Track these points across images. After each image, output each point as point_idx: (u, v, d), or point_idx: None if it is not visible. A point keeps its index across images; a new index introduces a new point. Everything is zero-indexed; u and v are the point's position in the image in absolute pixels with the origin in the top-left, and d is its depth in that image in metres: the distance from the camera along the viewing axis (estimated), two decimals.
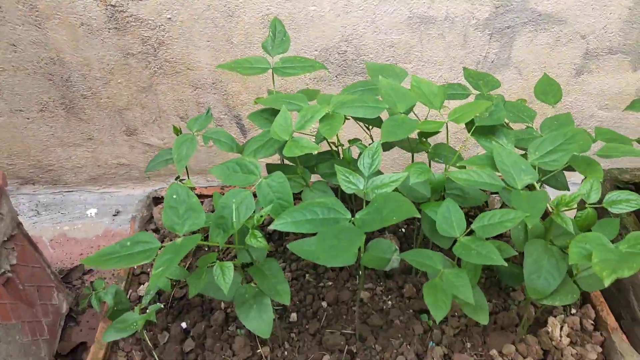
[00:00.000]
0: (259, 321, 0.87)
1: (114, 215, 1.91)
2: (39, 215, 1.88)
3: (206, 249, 1.36)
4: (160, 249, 0.84)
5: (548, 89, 1.15)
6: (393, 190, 0.82)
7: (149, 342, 1.12)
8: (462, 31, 1.50)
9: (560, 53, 1.57)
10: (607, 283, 0.66)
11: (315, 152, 0.95)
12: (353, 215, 0.77)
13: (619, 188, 1.42)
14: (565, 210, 0.84)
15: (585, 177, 0.89)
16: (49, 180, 1.87)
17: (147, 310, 1.02)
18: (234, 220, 0.83)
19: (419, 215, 0.75)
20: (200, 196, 1.49)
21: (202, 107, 1.66)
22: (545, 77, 1.16)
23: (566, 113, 1.11)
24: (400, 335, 1.14)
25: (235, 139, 1.10)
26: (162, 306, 1.22)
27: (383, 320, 1.17)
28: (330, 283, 1.27)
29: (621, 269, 0.67)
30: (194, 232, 0.99)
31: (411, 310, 1.19)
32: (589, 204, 0.83)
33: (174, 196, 0.86)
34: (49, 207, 1.91)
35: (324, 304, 1.21)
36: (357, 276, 1.28)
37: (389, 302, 1.22)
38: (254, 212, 0.86)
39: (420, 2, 1.44)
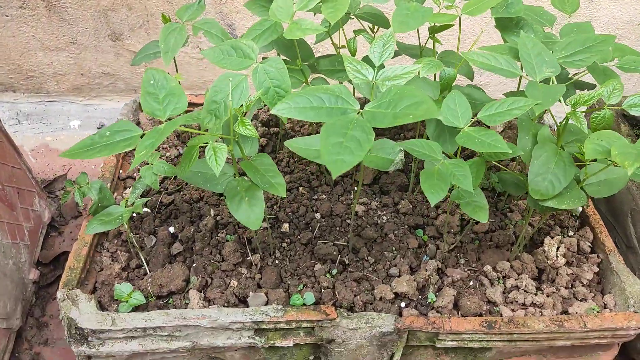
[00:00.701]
0: (250, 213, 0.83)
1: (98, 128, 1.83)
2: (20, 124, 1.80)
3: None
4: (142, 136, 0.79)
5: None
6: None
7: (135, 242, 1.08)
8: None
9: None
10: (630, 172, 0.63)
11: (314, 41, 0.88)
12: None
13: (624, 116, 1.38)
14: (582, 110, 0.79)
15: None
16: (30, 88, 1.78)
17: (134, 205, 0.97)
18: (229, 102, 0.77)
19: (438, 116, 0.65)
20: (189, 104, 1.42)
21: None
22: None
23: (586, 22, 1.04)
24: (394, 249, 1.11)
25: (228, 34, 1.02)
26: (149, 210, 1.17)
27: (377, 233, 1.13)
28: (324, 196, 1.23)
29: None
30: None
31: (406, 226, 1.16)
32: (608, 105, 0.78)
33: (151, 82, 0.80)
34: (31, 116, 1.82)
35: (318, 215, 1.18)
36: (352, 191, 1.24)
37: (384, 217, 1.18)
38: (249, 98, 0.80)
39: None
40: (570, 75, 1.04)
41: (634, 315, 0.96)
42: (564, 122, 0.83)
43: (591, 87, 1.05)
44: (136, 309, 0.99)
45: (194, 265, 1.06)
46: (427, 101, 0.62)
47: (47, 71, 1.72)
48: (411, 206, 1.19)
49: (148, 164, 1.03)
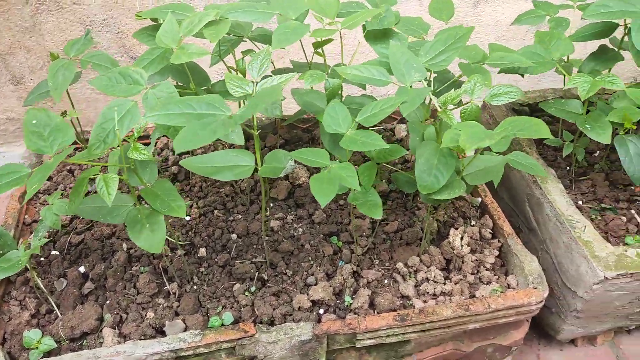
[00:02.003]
0: (152, 239, 0.83)
1: None
2: None
3: None
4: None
5: (442, 6, 1.17)
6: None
7: (43, 288, 1.04)
8: None
9: None
10: (469, 151, 0.70)
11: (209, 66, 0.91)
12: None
13: (514, 110, 1.49)
14: (452, 108, 0.85)
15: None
16: None
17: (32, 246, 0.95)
18: (117, 130, 0.77)
19: (279, 114, 0.74)
20: None
21: (94, 48, 1.54)
22: None
23: (459, 25, 1.13)
24: (310, 258, 1.14)
25: (118, 63, 1.03)
26: (58, 252, 1.14)
27: (294, 245, 1.16)
28: (240, 216, 1.24)
29: (482, 140, 0.70)
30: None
31: (321, 235, 1.19)
32: (473, 100, 0.85)
33: (34, 121, 0.79)
34: None
35: (234, 236, 1.19)
36: (269, 208, 1.26)
37: (300, 229, 1.21)
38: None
39: None
40: (456, 77, 1.12)
41: (533, 291, 1.03)
42: (439, 121, 0.89)
43: None
44: (48, 354, 0.95)
45: (107, 302, 1.04)
46: (277, 89, 0.72)
47: None
48: (325, 215, 1.23)
49: (49, 204, 1.01)
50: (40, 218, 1.02)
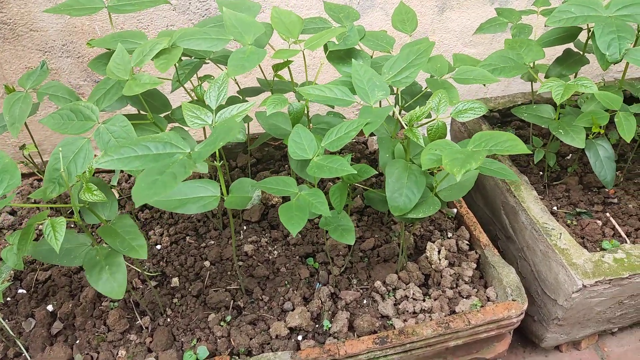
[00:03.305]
0: (112, 282, 0.79)
1: None
2: None
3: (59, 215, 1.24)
4: None
5: (405, 17, 1.16)
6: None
7: (10, 331, 1.00)
8: None
9: None
10: (458, 177, 0.68)
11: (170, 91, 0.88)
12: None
13: (485, 117, 1.49)
14: (419, 125, 0.84)
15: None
16: None
17: None
18: (71, 171, 0.74)
19: (242, 139, 0.71)
20: None
21: (55, 74, 1.50)
22: (402, 4, 1.16)
23: (423, 38, 1.12)
24: (286, 282, 1.11)
25: (76, 94, 0.99)
26: (25, 291, 1.10)
27: (269, 270, 1.13)
28: (212, 242, 1.21)
29: (469, 163, 0.68)
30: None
31: (297, 257, 1.16)
32: (439, 117, 0.84)
33: None
34: None
35: (207, 263, 1.16)
36: (242, 231, 1.24)
37: (275, 252, 1.18)
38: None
39: None
40: (423, 89, 1.11)
41: (513, 304, 1.02)
42: (406, 139, 0.88)
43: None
44: None
45: (77, 342, 1.00)
46: (235, 126, 0.67)
47: None
48: (300, 236, 1.20)
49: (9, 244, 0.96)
50: (1, 260, 0.97)
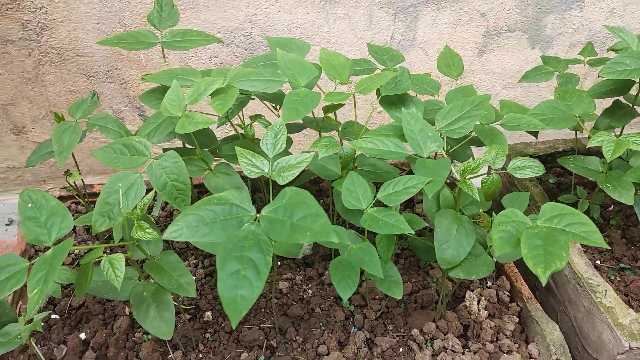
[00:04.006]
0: (160, 321, 0.78)
1: (7, 224, 1.71)
2: None
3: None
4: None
5: (451, 62, 1.15)
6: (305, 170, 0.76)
7: (42, 357, 0.99)
8: (367, 10, 1.48)
9: (463, 32, 1.59)
10: (544, 280, 0.65)
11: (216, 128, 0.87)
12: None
13: None
14: (472, 177, 0.82)
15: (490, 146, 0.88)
16: None
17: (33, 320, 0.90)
18: (122, 206, 0.74)
19: (336, 239, 0.60)
20: (97, 194, 1.36)
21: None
22: (447, 49, 1.16)
23: (469, 85, 1.11)
24: (321, 324, 1.09)
25: (125, 126, 1.00)
26: (58, 316, 1.09)
27: (303, 310, 1.11)
28: None
29: (553, 262, 0.65)
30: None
31: (332, 297, 1.14)
32: (495, 170, 0.82)
33: (29, 205, 0.75)
34: None
35: None
36: (277, 266, 1.22)
37: (310, 291, 1.16)
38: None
39: None
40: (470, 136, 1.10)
41: None
42: (457, 189, 0.86)
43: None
44: None
45: None
46: (322, 216, 0.60)
47: None
48: None
49: None
50: None
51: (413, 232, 0.74)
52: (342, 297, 0.72)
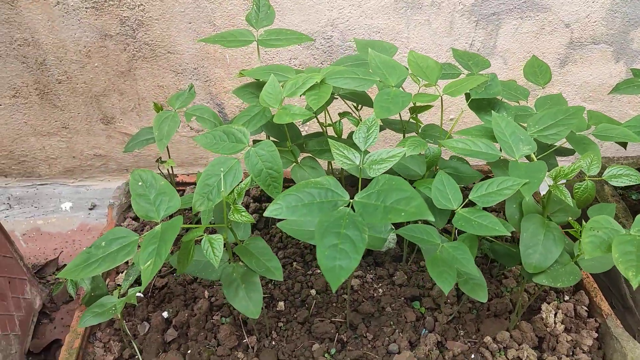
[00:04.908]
0: (248, 301, 0.82)
1: (90, 209, 1.83)
2: (11, 208, 1.80)
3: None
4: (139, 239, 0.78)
5: (537, 70, 1.14)
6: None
7: (128, 331, 1.05)
8: (449, 17, 1.49)
9: (545, 42, 1.56)
10: (635, 284, 0.64)
11: (301, 125, 0.91)
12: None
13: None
14: (563, 182, 0.81)
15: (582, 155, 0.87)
16: (22, 172, 1.79)
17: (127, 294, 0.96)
18: (222, 188, 0.78)
19: (432, 218, 0.64)
20: (181, 184, 1.44)
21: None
22: (534, 58, 1.15)
23: (557, 93, 1.10)
24: (392, 323, 1.10)
25: (219, 117, 1.06)
26: (142, 295, 1.16)
27: (374, 307, 1.13)
28: (318, 271, 1.22)
29: None
30: (171, 216, 0.94)
31: (403, 298, 1.15)
32: (589, 177, 0.81)
33: (139, 183, 0.80)
34: (22, 200, 1.82)
35: (313, 292, 1.17)
36: None
37: (380, 290, 1.18)
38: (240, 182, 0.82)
39: None
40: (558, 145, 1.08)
41: None
42: (547, 194, 0.85)
43: (570, 152, 1.09)
44: None
45: (189, 351, 1.04)
46: (416, 197, 0.63)
47: (39, 155, 1.74)
48: (406, 277, 1.19)
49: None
50: (132, 262, 1.04)
51: (509, 234, 0.74)
52: (443, 290, 0.73)
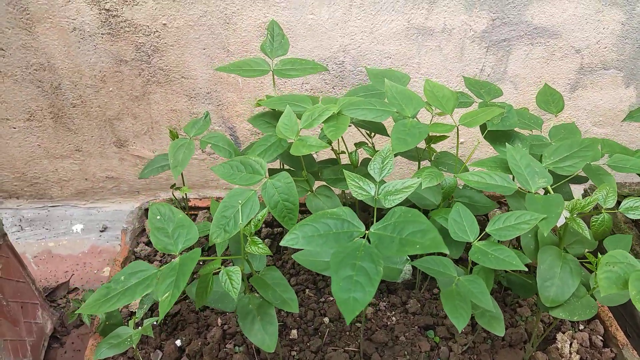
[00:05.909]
0: (264, 334, 0.82)
1: (101, 231, 1.84)
2: (23, 230, 1.80)
3: (200, 263, 1.30)
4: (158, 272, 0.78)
5: (550, 99, 1.15)
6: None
7: None
8: (459, 43, 1.50)
9: (556, 67, 1.57)
10: None
11: (316, 153, 0.91)
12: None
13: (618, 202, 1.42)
14: (580, 215, 0.81)
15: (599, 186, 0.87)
16: (34, 194, 1.80)
17: (143, 325, 0.96)
18: (239, 220, 0.79)
19: (447, 251, 0.64)
20: (194, 208, 1.44)
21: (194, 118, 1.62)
22: (547, 86, 1.16)
23: (571, 123, 1.10)
24: (406, 353, 1.09)
25: (234, 145, 1.07)
26: (155, 323, 1.16)
27: (388, 337, 1.12)
28: (331, 298, 1.22)
29: None
30: (189, 249, 0.95)
31: (416, 327, 1.14)
32: (605, 209, 0.81)
33: (158, 217, 0.81)
34: (33, 222, 1.83)
35: (326, 320, 1.16)
36: None
37: (394, 318, 1.17)
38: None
39: (418, 13, 1.44)
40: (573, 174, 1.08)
41: None
42: (564, 226, 0.85)
43: (584, 179, 1.09)
44: None
45: None
46: (432, 230, 0.64)
47: (52, 177, 1.76)
48: (419, 305, 1.19)
49: None
50: None
51: (526, 269, 0.74)
52: (457, 327, 0.73)
